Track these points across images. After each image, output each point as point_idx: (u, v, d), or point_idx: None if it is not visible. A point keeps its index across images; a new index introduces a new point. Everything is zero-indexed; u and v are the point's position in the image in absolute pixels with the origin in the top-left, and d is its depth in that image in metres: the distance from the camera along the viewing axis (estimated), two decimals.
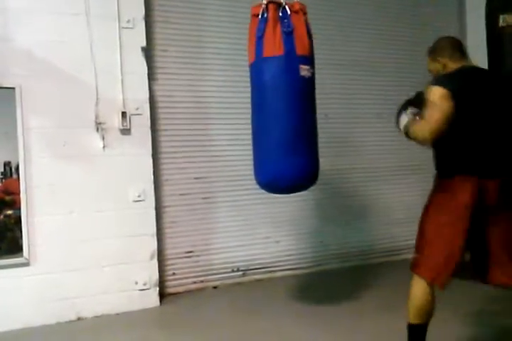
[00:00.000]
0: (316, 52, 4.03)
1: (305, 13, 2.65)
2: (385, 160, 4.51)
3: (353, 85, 4.35)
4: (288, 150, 2.57)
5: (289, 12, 2.57)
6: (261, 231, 3.97)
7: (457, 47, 2.33)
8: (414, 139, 2.21)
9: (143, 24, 3.35)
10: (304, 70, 2.58)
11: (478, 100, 2.13)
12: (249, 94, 2.72)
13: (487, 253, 2.20)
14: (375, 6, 4.45)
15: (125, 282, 3.25)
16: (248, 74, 2.70)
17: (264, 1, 2.59)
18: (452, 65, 2.27)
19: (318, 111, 4.14)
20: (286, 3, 2.59)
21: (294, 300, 3.43)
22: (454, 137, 2.12)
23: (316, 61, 4.20)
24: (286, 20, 2.56)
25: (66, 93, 3.10)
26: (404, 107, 2.32)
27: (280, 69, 2.55)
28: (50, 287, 3.06)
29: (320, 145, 4.16)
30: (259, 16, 2.58)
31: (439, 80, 2.18)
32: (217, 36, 3.77)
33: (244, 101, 3.00)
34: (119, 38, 3.24)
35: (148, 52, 3.41)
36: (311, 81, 2.65)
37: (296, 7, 2.61)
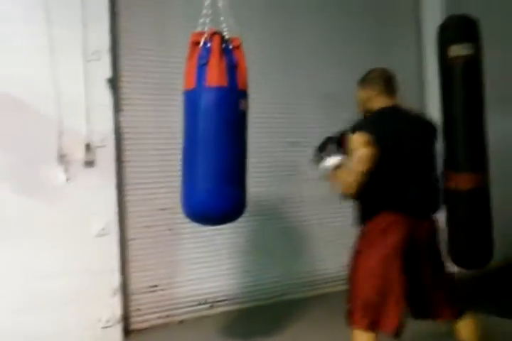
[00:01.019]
0: (283, 79, 4.19)
1: (242, 49, 2.67)
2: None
3: (319, 115, 4.44)
4: (216, 181, 2.56)
5: (231, 46, 2.59)
6: (228, 262, 3.93)
7: (388, 81, 2.32)
8: (340, 184, 2.19)
9: (108, 56, 3.34)
10: (243, 104, 2.60)
11: (401, 143, 2.17)
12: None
13: (423, 292, 2.24)
14: (340, 39, 4.58)
15: (87, 320, 3.13)
16: None
17: (207, 31, 2.60)
18: (377, 102, 2.28)
19: (286, 139, 4.28)
20: (228, 38, 2.62)
21: (264, 333, 3.38)
22: (381, 180, 2.14)
23: (283, 89, 4.30)
24: (230, 54, 2.58)
25: (28, 126, 3.03)
26: (326, 146, 2.32)
27: (222, 100, 2.54)
28: (7, 327, 2.91)
29: (284, 173, 4.28)
30: (201, 44, 2.58)
31: (362, 125, 2.19)
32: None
33: None
34: (84, 70, 3.21)
35: (114, 83, 3.39)
36: (246, 115, 2.68)
37: (237, 43, 2.63)
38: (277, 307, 3.94)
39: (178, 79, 3.74)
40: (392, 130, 2.17)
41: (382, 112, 2.25)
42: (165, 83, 3.72)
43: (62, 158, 3.11)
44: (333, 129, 4.37)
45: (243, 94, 2.62)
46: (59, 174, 3.11)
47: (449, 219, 3.45)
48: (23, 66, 3.04)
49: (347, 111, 4.55)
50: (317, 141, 4.32)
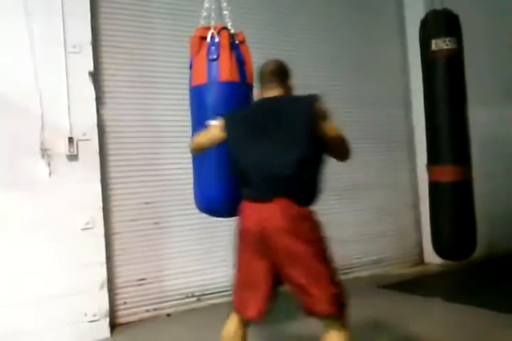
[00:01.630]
0: None
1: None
2: (336, 180, 4.61)
3: None
4: (225, 175, 2.54)
5: (237, 42, 2.62)
6: (214, 255, 3.92)
7: (271, 74, 2.22)
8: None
9: (90, 49, 3.31)
10: (252, 98, 2.62)
11: (247, 129, 2.14)
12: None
13: (293, 285, 2.06)
14: (329, 35, 4.60)
15: (74, 314, 3.12)
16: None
17: (214, 25, 2.62)
18: (260, 95, 2.26)
19: None
20: (233, 33, 2.64)
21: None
22: (235, 166, 2.18)
23: None
24: (238, 49, 2.61)
25: (9, 119, 3.00)
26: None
27: (237, 94, 2.58)
28: None
29: None
30: (209, 39, 2.59)
31: (224, 113, 2.28)
32: (166, 59, 3.76)
33: None
34: (66, 63, 3.18)
35: (96, 76, 3.36)
36: None
37: (242, 37, 2.66)
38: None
39: (161, 72, 3.76)
40: (243, 117, 2.22)
41: (254, 103, 2.37)
42: (147, 76, 3.70)
43: (45, 152, 3.09)
44: None
45: (251, 88, 2.63)
46: (42, 168, 3.08)
47: (433, 212, 3.49)
48: (2, 58, 3.00)
49: (331, 104, 4.60)
50: None
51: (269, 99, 2.21)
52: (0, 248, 2.94)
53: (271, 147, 2.07)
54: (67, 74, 3.19)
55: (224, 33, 2.61)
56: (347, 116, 4.68)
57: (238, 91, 2.59)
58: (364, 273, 4.61)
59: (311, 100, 2.11)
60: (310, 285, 2.01)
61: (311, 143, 2.06)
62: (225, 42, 2.59)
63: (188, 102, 3.61)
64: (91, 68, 3.30)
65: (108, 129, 3.49)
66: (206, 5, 2.75)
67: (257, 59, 4.03)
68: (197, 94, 2.65)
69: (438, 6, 3.38)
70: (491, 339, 2.94)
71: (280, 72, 2.25)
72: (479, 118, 3.97)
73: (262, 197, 2.05)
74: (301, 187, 2.08)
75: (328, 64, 4.60)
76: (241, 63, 2.60)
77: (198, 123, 2.64)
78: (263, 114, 2.17)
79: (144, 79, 3.69)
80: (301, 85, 4.34)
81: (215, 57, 2.57)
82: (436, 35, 3.32)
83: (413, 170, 5.08)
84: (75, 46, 3.22)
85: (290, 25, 4.42)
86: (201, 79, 2.62)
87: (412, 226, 5.06)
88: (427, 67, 3.46)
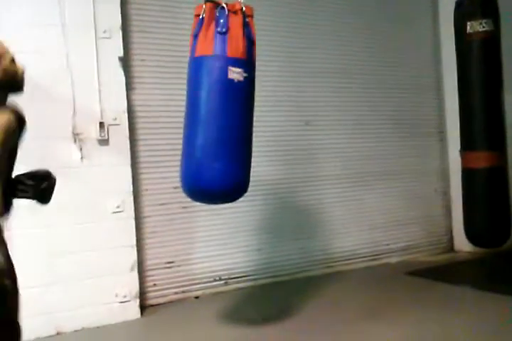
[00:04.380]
0: (294, 60, 4.17)
1: (248, 15, 2.57)
2: (366, 166, 4.57)
3: (334, 93, 4.39)
4: (208, 156, 2.51)
5: (226, 12, 2.51)
6: (242, 240, 3.96)
7: None
8: None
9: (120, 34, 3.33)
10: (234, 73, 2.49)
11: None
12: None
13: None
14: (353, 15, 4.50)
15: (105, 294, 3.21)
16: None
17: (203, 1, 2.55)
18: None
19: (298, 118, 4.26)
20: (226, 4, 2.53)
21: (278, 309, 3.43)
22: None
23: (295, 69, 4.26)
24: (221, 21, 2.51)
25: (42, 105, 3.05)
26: None
27: (207, 69, 2.50)
28: (29, 302, 2.98)
29: (300, 152, 4.27)
30: (199, 16, 2.55)
31: None
32: None
33: None
34: (96, 48, 3.21)
35: (125, 61, 3.39)
36: (243, 85, 2.53)
37: (236, 7, 2.55)
38: (291, 284, 3.99)
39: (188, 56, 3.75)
40: None
41: None
42: (176, 61, 3.69)
43: (77, 137, 3.15)
44: (349, 107, 4.44)
45: (234, 62, 2.51)
46: (74, 152, 3.14)
47: (466, 198, 3.43)
48: (35, 43, 3.05)
49: (360, 88, 4.56)
50: (331, 120, 4.38)
51: None
52: (35, 230, 3.03)
53: None
54: (97, 59, 3.22)
55: (208, 6, 2.53)
56: (376, 100, 4.62)
57: (210, 64, 2.50)
58: (393, 260, 4.58)
59: None
60: None
61: None
62: (207, 16, 2.51)
63: None
64: (121, 53, 3.32)
65: (138, 114, 3.52)
66: None
67: (283, 33, 4.06)
68: (198, 65, 2.56)
69: None
70: None
71: None
72: None
73: None
74: None
75: (356, 46, 4.51)
76: (221, 34, 2.49)
77: (186, 100, 2.63)
78: None
79: (173, 64, 3.68)
80: (326, 68, 4.36)
81: (195, 33, 2.53)
82: (472, 17, 3.22)
83: (444, 156, 4.97)
84: (105, 31, 3.25)
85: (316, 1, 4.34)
86: (206, 50, 2.53)
87: (442, 213, 4.98)
88: (462, 50, 3.36)
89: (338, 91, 4.41)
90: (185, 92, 3.65)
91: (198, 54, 2.53)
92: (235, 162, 2.58)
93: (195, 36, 2.54)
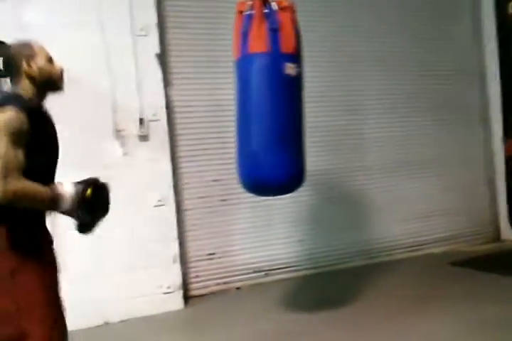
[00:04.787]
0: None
1: (293, 11, 2.62)
2: (409, 155, 4.49)
3: (362, 81, 4.33)
4: (269, 151, 2.56)
5: (275, 9, 2.56)
6: (282, 231, 3.98)
7: None
8: None
9: (156, 31, 3.39)
10: (290, 68, 2.56)
11: None
12: None
13: None
14: (398, 5, 4.41)
15: (149, 286, 3.31)
16: None
17: None
18: None
19: (343, 108, 4.20)
20: (273, 0, 2.58)
21: (319, 300, 3.44)
22: None
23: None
24: (272, 18, 2.55)
25: (84, 102, 3.15)
26: None
27: (264, 66, 2.55)
28: (78, 293, 3.11)
29: (343, 141, 4.23)
30: (244, 13, 2.59)
31: None
32: (231, 39, 3.76)
33: None
34: (133, 45, 3.28)
35: (162, 58, 3.45)
36: (297, 79, 2.62)
37: (284, 4, 2.59)
38: (332, 275, 3.98)
39: (225, 51, 3.76)
40: None
41: None
42: (212, 56, 3.74)
43: (118, 133, 3.23)
44: (391, 95, 4.36)
45: (289, 58, 2.60)
46: (116, 149, 3.24)
47: (510, 187, 3.33)
48: (75, 43, 3.12)
49: (404, 76, 4.45)
50: (375, 108, 4.31)
51: None
52: None
53: None
54: (135, 56, 3.29)
55: (257, 3, 2.57)
56: (417, 88, 4.51)
57: (267, 61, 2.55)
58: (436, 250, 4.50)
59: None
60: None
61: None
62: (257, 13, 2.56)
63: None
64: (158, 50, 3.38)
65: (176, 109, 3.58)
66: None
67: (324, 23, 4.03)
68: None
69: None
70: None
71: None
72: None
73: None
74: None
75: (396, 31, 4.41)
76: (274, 31, 2.53)
77: (238, 98, 2.70)
78: None
79: (209, 59, 3.73)
80: (371, 57, 4.28)
81: (245, 30, 2.59)
82: None
83: (488, 144, 4.82)
84: (142, 29, 3.31)
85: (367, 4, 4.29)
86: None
87: (487, 202, 4.84)
88: (504, 32, 3.24)
89: (383, 79, 4.34)
90: (221, 86, 3.74)
91: (251, 51, 2.57)
92: (295, 154, 2.67)
93: (245, 33, 2.57)
